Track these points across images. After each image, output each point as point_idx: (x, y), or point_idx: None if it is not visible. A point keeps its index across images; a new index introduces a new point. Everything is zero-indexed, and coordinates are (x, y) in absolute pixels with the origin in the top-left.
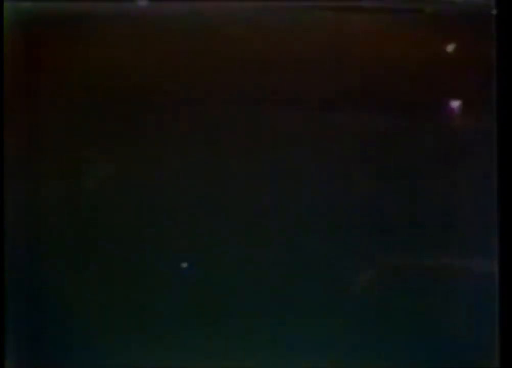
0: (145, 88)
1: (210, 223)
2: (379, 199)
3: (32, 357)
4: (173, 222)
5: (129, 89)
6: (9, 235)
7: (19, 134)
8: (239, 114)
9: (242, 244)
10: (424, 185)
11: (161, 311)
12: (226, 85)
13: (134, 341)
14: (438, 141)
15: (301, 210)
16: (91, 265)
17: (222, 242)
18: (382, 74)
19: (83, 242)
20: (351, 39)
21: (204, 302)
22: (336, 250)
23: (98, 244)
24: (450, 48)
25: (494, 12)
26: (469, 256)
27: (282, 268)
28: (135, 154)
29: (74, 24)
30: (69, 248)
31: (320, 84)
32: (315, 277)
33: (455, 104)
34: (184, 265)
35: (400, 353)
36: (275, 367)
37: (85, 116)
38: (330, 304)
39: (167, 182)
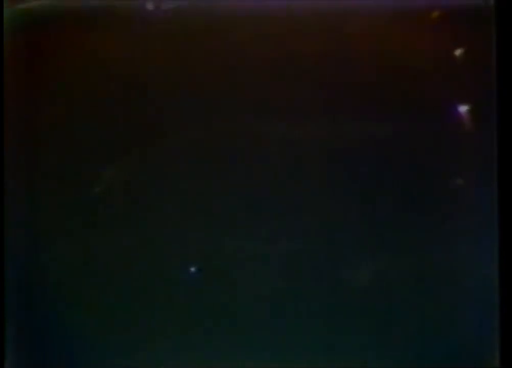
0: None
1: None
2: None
3: (32, 357)
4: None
5: (129, 90)
6: (9, 235)
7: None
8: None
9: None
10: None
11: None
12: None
13: (139, 342)
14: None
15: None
16: (92, 265)
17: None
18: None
19: (82, 244)
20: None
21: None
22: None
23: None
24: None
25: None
26: (470, 255)
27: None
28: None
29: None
30: (70, 250)
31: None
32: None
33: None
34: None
35: (396, 353)
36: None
37: (85, 117)
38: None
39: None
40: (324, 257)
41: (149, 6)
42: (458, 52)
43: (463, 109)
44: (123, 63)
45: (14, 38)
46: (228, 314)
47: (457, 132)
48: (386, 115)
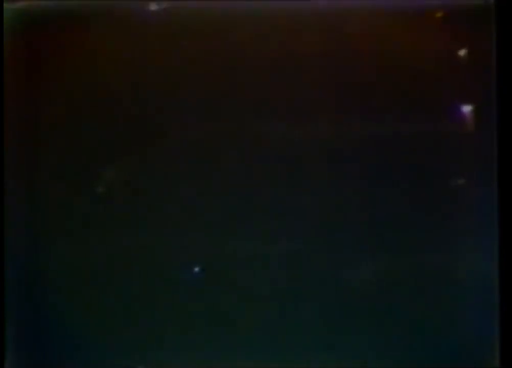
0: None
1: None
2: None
3: (32, 357)
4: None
5: (129, 90)
6: (9, 235)
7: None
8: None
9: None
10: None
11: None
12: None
13: (139, 343)
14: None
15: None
16: (92, 265)
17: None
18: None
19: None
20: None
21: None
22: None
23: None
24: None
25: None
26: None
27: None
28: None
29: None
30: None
31: None
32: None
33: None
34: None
35: (395, 353)
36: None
37: (85, 117)
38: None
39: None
40: (326, 258)
41: (149, 6)
42: (457, 52)
43: (463, 108)
44: (123, 63)
45: (14, 38)
46: (230, 314)
47: (456, 131)
48: (386, 115)
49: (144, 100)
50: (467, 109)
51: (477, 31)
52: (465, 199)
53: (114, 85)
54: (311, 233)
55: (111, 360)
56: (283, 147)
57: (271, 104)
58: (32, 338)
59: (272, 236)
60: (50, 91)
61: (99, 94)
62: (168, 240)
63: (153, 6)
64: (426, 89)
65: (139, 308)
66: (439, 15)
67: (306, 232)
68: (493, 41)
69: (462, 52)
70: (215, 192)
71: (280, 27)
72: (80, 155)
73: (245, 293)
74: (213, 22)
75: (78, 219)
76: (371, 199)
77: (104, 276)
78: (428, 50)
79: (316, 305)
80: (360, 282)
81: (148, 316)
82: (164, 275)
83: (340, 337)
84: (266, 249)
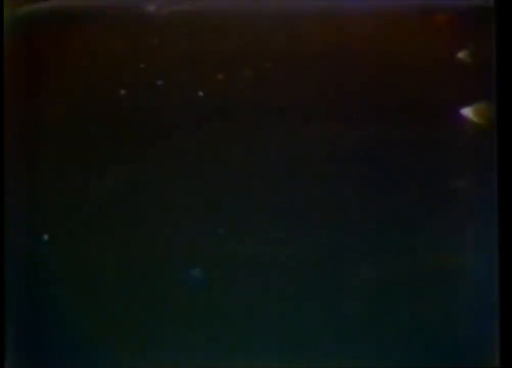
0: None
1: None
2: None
3: (32, 357)
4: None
5: (129, 91)
6: (9, 235)
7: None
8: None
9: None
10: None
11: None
12: None
13: (139, 343)
14: None
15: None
16: (92, 266)
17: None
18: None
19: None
20: None
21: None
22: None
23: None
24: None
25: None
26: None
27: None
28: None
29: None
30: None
31: None
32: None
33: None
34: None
35: (395, 353)
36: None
37: (85, 117)
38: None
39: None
40: (330, 260)
41: (148, 8)
42: (457, 52)
43: (462, 108)
44: (122, 63)
45: (14, 39)
46: (230, 315)
47: (456, 131)
48: (386, 116)
49: (144, 100)
50: (466, 108)
51: (477, 31)
52: (465, 199)
53: (114, 86)
54: (317, 236)
55: (110, 360)
56: (284, 148)
57: (270, 104)
58: (32, 338)
59: (273, 237)
60: (50, 92)
61: (98, 94)
62: (168, 241)
63: (152, 8)
64: (425, 89)
65: (139, 308)
66: (439, 15)
67: (312, 235)
68: (493, 41)
69: (462, 52)
70: (216, 193)
71: (281, 27)
72: (80, 155)
73: (244, 293)
74: (213, 22)
75: (78, 219)
76: (371, 199)
77: (104, 276)
78: (428, 50)
79: (316, 305)
80: (361, 283)
81: (148, 316)
82: (164, 275)
83: (340, 337)
84: (267, 249)
